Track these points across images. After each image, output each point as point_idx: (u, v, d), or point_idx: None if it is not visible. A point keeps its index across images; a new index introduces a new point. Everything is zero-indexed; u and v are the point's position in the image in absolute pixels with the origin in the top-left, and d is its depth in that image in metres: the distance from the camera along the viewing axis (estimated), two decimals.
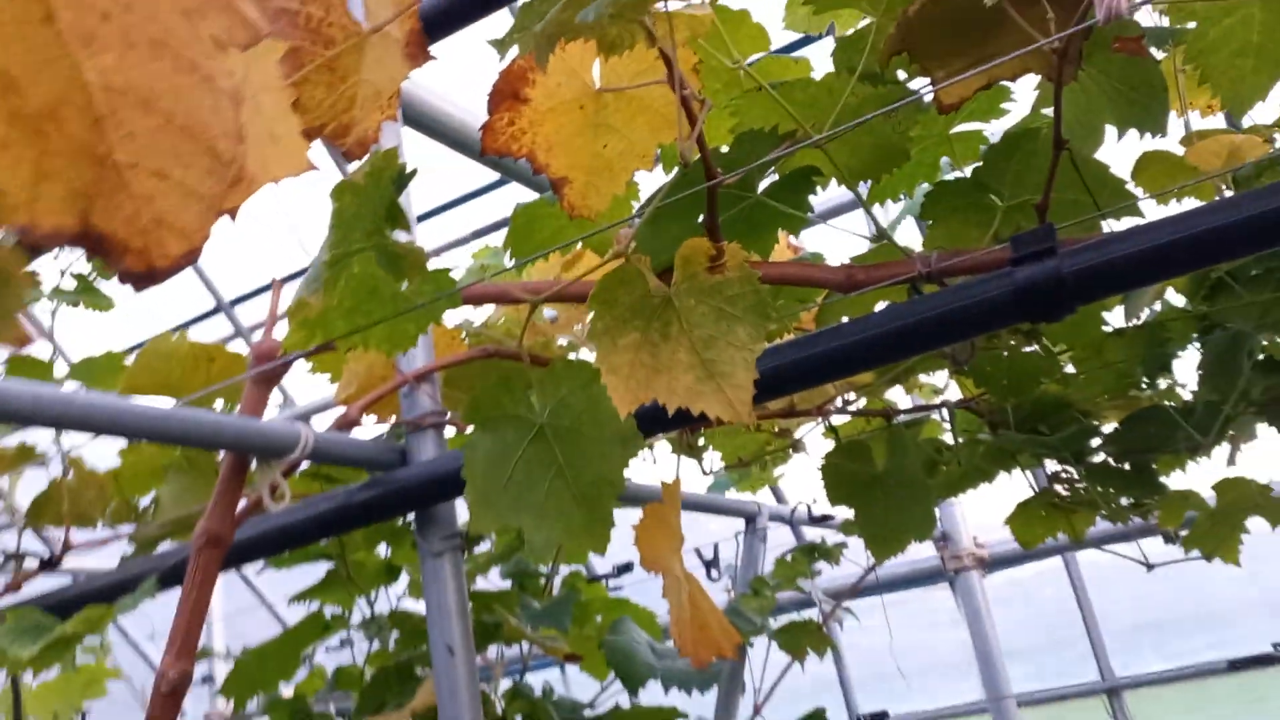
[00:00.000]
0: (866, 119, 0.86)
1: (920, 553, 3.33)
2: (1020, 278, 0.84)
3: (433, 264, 0.85)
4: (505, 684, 1.93)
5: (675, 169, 0.93)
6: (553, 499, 0.85)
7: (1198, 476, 1.75)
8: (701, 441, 1.51)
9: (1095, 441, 1.63)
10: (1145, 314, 1.44)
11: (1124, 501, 1.74)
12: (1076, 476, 1.73)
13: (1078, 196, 1.02)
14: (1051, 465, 1.79)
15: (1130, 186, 1.16)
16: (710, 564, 2.67)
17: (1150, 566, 1.82)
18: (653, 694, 1.79)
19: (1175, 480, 1.80)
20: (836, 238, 2.89)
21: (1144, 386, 1.58)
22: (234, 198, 0.44)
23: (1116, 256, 0.84)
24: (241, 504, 0.96)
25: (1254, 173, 1.14)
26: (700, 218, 0.93)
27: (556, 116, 0.95)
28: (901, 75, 0.97)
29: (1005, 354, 1.25)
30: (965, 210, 1.05)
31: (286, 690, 1.85)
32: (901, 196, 1.23)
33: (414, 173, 0.75)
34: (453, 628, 1.05)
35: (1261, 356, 1.61)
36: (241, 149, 0.42)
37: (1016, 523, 1.89)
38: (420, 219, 3.02)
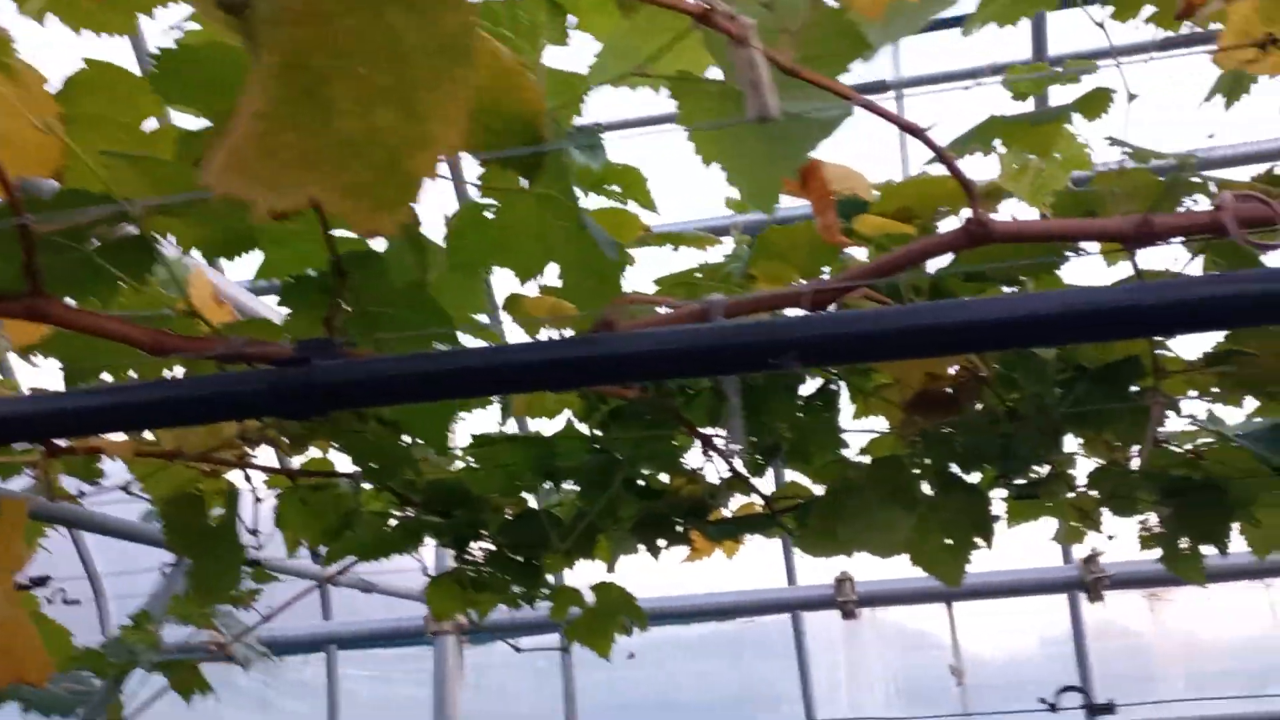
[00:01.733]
0: (183, 198, 0.96)
1: (415, 610, 3.42)
2: (278, 376, 0.96)
3: None
4: None
5: None
6: None
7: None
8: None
9: (488, 531, 1.83)
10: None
11: (516, 589, 1.95)
12: (480, 560, 1.92)
13: (412, 316, 1.18)
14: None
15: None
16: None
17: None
18: None
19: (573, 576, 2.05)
20: None
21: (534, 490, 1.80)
22: None
23: (365, 376, 0.98)
24: None
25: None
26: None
27: None
28: None
29: (370, 437, 1.39)
30: (318, 306, 1.18)
31: None
32: None
33: None
34: None
35: (644, 483, 1.89)
36: None
37: (432, 595, 2.04)
38: None
